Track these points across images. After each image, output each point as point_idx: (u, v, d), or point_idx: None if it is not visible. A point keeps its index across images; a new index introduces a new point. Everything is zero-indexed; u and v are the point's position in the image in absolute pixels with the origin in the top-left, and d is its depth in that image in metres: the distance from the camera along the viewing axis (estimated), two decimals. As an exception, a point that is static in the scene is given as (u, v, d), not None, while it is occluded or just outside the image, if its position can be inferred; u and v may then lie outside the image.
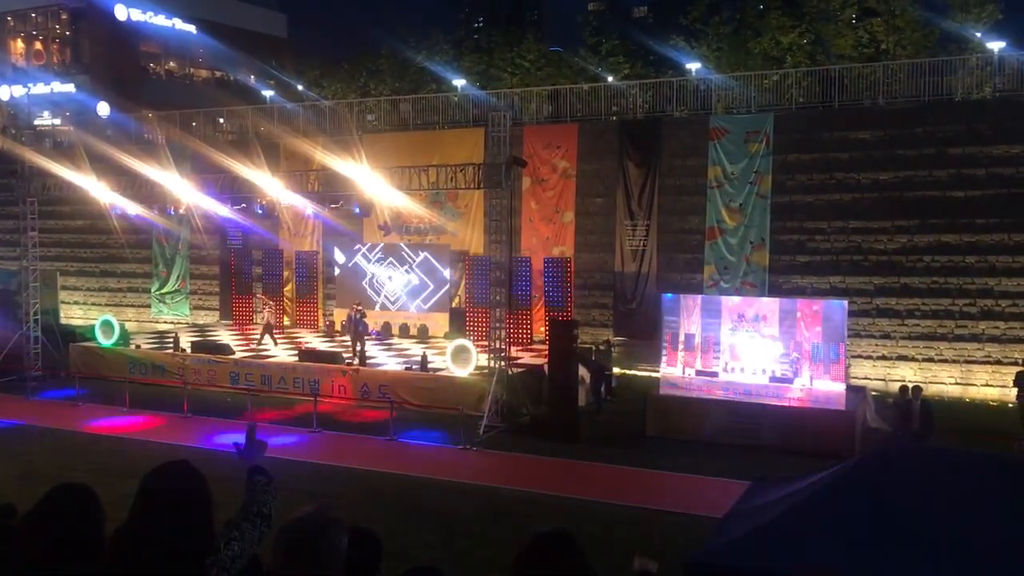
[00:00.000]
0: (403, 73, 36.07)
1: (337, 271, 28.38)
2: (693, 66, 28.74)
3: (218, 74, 48.88)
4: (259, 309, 25.25)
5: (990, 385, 22.06)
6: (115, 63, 43.91)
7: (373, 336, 25.24)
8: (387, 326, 26.97)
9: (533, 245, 26.80)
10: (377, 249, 27.72)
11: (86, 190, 23.79)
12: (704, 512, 11.59)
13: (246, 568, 3.41)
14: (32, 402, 21.64)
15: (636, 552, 3.47)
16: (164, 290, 32.64)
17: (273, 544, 3.12)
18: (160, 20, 45.08)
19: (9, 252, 32.88)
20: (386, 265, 27.43)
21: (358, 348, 22.24)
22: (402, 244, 27.67)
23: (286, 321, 29.66)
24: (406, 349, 24.38)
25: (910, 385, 16.72)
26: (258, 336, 24.95)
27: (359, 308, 23.51)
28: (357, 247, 28.04)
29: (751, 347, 17.82)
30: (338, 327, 26.68)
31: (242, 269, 30.20)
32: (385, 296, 27.25)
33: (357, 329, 22.46)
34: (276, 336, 25.00)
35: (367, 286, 27.57)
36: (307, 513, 3.21)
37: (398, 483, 14.91)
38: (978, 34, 25.75)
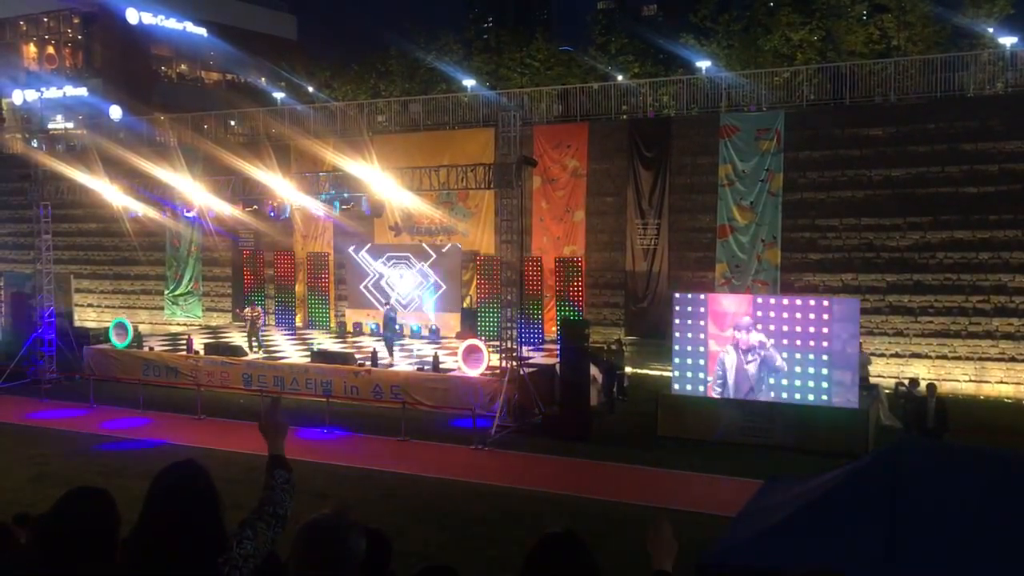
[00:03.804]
0: (413, 74, 36.17)
1: (375, 276, 28.34)
2: (703, 64, 28.68)
3: (229, 76, 49.11)
4: (246, 315, 25.15)
5: (1004, 382, 21.93)
6: (127, 67, 44.20)
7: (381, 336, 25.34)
8: (399, 327, 27.03)
9: (544, 245, 26.80)
10: (388, 250, 27.78)
11: (99, 193, 23.93)
12: (717, 511, 11.57)
13: (262, 567, 3.43)
14: (46, 404, 21.76)
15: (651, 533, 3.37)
16: (177, 292, 32.81)
17: (292, 545, 3.15)
18: (171, 23, 45.34)
19: (23, 255, 33.13)
20: (397, 266, 27.48)
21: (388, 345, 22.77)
22: (413, 245, 27.73)
23: (298, 322, 29.81)
24: (418, 349, 24.42)
25: (922, 382, 16.63)
26: (247, 339, 24.83)
27: (389, 307, 24.22)
28: (368, 248, 28.10)
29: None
30: (366, 329, 27.43)
31: (254, 271, 30.34)
32: (396, 297, 27.29)
33: (392, 326, 23.14)
34: (259, 339, 24.68)
35: (380, 287, 27.64)
36: (325, 515, 3.24)
37: (410, 483, 14.94)
38: (990, 29, 25.63)
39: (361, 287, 28.00)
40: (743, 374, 17.16)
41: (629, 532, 11.95)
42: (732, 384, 17.22)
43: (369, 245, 28.15)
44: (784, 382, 16.88)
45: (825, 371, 16.61)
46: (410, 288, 27.23)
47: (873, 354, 22.72)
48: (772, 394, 16.98)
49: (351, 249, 28.30)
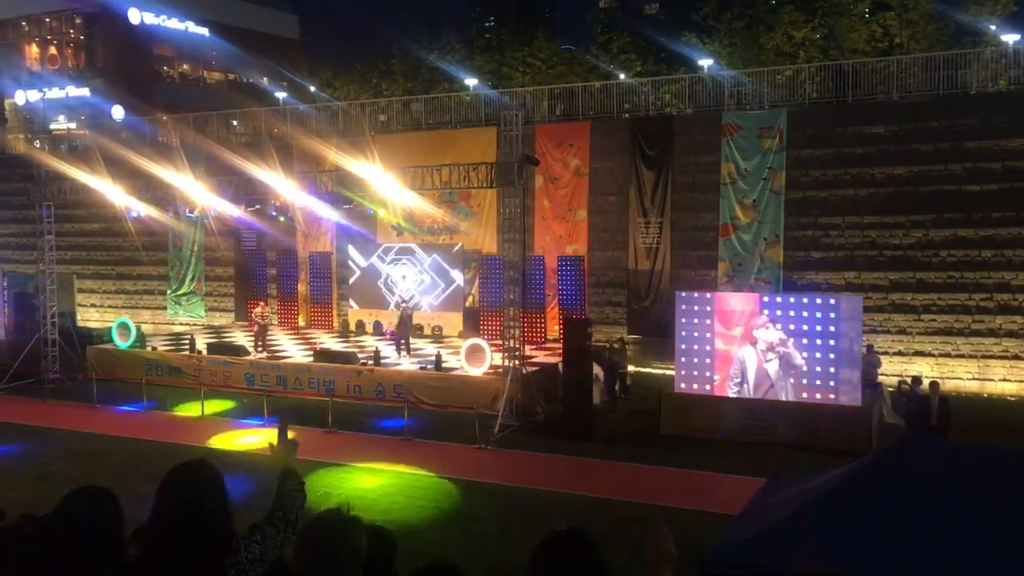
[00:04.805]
0: (415, 73, 36.20)
1: (356, 273, 28.37)
2: (705, 62, 28.65)
3: (231, 76, 49.13)
4: (255, 316, 24.98)
5: (1008, 380, 21.91)
6: (129, 66, 44.23)
7: (388, 336, 25.36)
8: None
9: (546, 244, 26.79)
10: (391, 249, 27.80)
11: (102, 193, 23.95)
12: (719, 510, 11.55)
13: (269, 571, 3.43)
14: (49, 404, 21.77)
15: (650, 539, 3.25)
16: (180, 292, 32.83)
17: (295, 543, 3.16)
18: (173, 23, 45.38)
19: (26, 256, 33.15)
20: (400, 265, 27.49)
21: (401, 343, 22.92)
22: (415, 244, 27.74)
23: (300, 322, 29.82)
24: (420, 349, 24.40)
25: (925, 380, 16.59)
26: (253, 340, 24.73)
27: (406, 305, 24.47)
28: (371, 247, 28.11)
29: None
30: (367, 328, 27.39)
31: (256, 270, 30.36)
32: (399, 296, 27.31)
33: (408, 325, 23.34)
34: (264, 341, 24.41)
35: (381, 286, 27.66)
36: (327, 513, 3.25)
37: (413, 482, 14.93)
38: (993, 27, 25.60)
39: (350, 283, 28.02)
40: (763, 373, 17.02)
41: (632, 530, 11.96)
42: (752, 383, 17.10)
43: (372, 245, 28.16)
44: (791, 380, 16.86)
45: (832, 369, 16.57)
46: (412, 287, 27.23)
47: (876, 352, 22.71)
48: (801, 392, 16.80)
49: (353, 248, 28.34)
